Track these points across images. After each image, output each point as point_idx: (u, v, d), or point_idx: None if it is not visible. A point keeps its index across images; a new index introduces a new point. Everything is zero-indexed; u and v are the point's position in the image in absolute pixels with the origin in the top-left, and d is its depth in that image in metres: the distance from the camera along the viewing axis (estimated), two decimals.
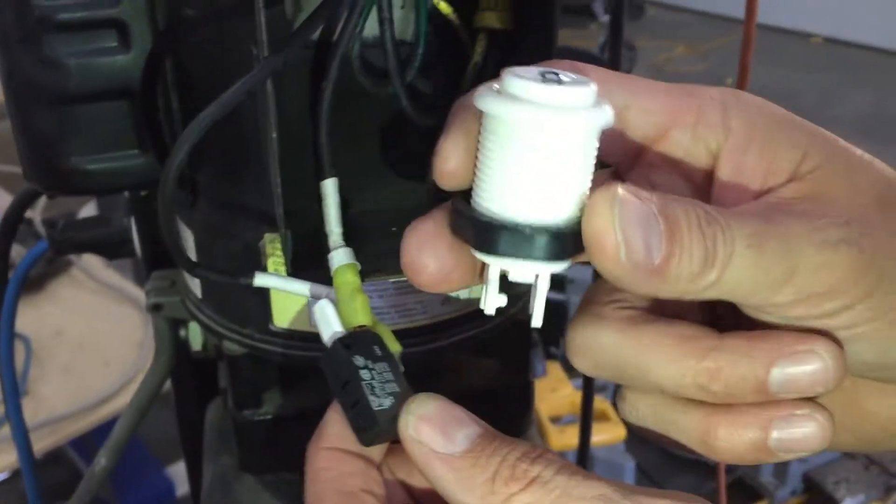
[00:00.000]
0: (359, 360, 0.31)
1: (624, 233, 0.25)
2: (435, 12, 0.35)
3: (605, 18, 4.35)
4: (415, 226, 0.29)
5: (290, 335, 0.40)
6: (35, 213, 1.40)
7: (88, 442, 1.20)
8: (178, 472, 1.50)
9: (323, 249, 0.35)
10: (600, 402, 1.68)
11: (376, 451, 0.32)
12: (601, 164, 0.28)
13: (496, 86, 0.26)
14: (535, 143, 0.26)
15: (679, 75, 4.36)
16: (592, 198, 0.26)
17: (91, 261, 1.37)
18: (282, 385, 0.44)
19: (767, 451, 0.28)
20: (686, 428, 0.29)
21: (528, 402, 0.48)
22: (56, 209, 1.42)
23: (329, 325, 0.33)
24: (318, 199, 0.35)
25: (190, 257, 0.41)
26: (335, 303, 0.33)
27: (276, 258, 0.38)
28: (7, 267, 0.59)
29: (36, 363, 1.19)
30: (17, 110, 0.39)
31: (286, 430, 0.44)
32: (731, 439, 0.28)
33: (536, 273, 0.27)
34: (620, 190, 0.25)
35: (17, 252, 0.70)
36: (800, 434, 0.28)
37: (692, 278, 0.26)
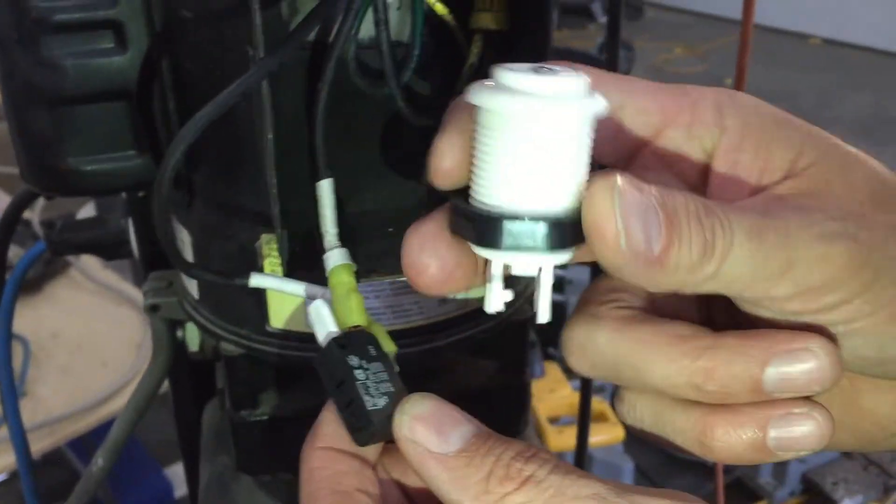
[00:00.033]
0: (353, 360, 0.31)
1: (624, 221, 0.25)
2: (431, 13, 0.35)
3: (603, 19, 4.35)
4: (415, 227, 0.29)
5: (286, 336, 0.40)
6: (33, 214, 1.40)
7: (86, 443, 1.20)
8: (177, 474, 1.50)
9: (319, 250, 0.35)
10: (599, 403, 1.68)
11: (371, 451, 0.32)
12: (597, 165, 0.28)
13: (489, 82, 0.27)
14: (530, 133, 0.26)
15: (678, 76, 4.37)
16: (591, 186, 0.26)
17: (89, 262, 1.37)
18: (279, 385, 0.44)
19: (766, 451, 0.28)
20: (683, 429, 0.29)
21: (524, 402, 0.48)
22: (54, 210, 1.42)
23: (324, 325, 0.33)
24: (313, 200, 0.35)
25: (186, 258, 0.41)
26: (330, 303, 0.33)
27: (272, 259, 0.38)
28: (5, 268, 0.59)
29: (34, 364, 1.19)
30: (14, 111, 0.39)
31: (283, 430, 0.44)
32: (728, 439, 0.28)
33: (539, 265, 0.27)
34: (619, 179, 0.26)
35: (15, 253, 0.70)
36: (798, 433, 0.28)
37: (691, 269, 0.26)
